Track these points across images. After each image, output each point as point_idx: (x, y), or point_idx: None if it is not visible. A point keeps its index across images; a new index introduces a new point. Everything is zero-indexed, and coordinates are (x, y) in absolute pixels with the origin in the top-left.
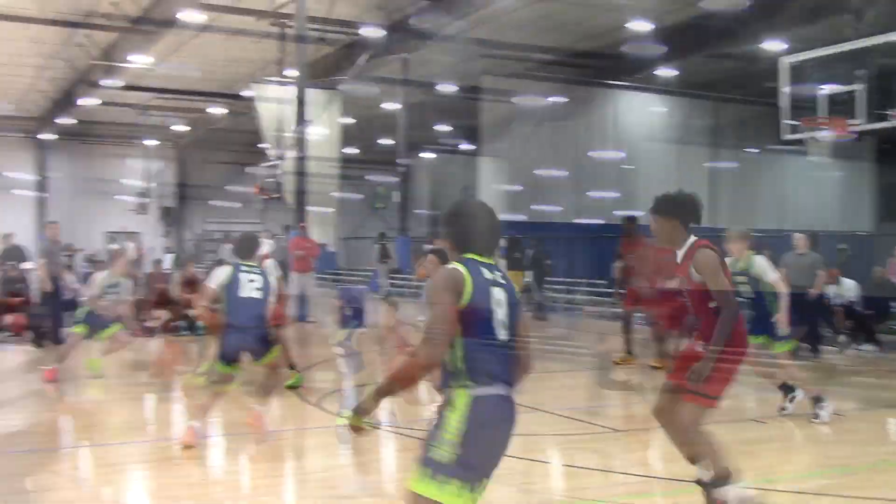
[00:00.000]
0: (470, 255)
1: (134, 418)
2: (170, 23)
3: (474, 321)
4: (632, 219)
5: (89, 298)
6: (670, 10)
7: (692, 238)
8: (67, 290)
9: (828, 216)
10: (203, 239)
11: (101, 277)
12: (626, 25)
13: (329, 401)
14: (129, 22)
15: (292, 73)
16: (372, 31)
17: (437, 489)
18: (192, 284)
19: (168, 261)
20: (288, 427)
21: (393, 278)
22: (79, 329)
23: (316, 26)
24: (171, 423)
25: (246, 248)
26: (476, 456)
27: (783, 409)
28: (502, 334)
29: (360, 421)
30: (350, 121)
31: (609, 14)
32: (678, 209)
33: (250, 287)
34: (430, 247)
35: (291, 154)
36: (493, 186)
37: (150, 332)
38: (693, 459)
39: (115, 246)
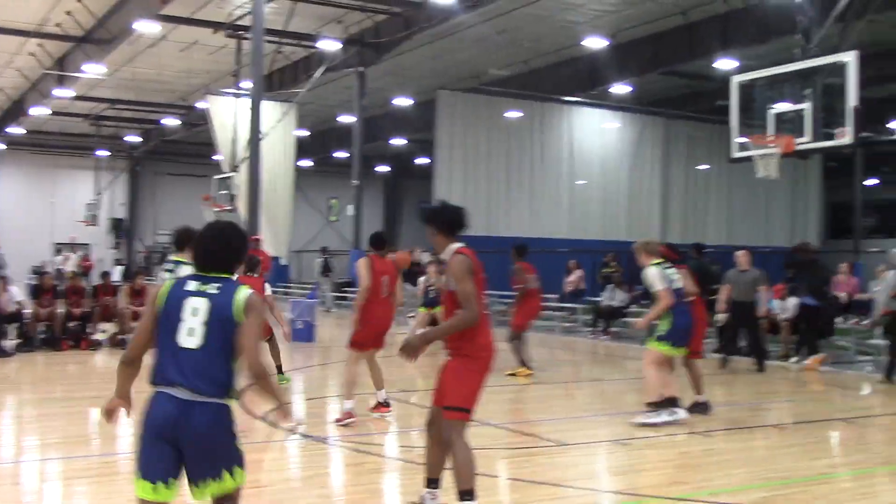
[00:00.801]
0: (195, 271)
1: (76, 433)
2: (125, 33)
3: (157, 328)
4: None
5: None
6: (625, 27)
7: (454, 245)
8: (9, 303)
9: (776, 233)
10: (154, 251)
11: None
12: (583, 43)
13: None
14: (83, 31)
15: (248, 85)
16: (329, 45)
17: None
18: (141, 297)
19: (117, 273)
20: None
21: (344, 291)
22: None
23: (273, 38)
24: (116, 438)
25: (179, 240)
26: (142, 450)
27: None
28: (186, 340)
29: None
30: (305, 133)
31: (565, 30)
32: (437, 219)
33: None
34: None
35: (245, 166)
36: (445, 198)
37: (97, 345)
38: (433, 475)
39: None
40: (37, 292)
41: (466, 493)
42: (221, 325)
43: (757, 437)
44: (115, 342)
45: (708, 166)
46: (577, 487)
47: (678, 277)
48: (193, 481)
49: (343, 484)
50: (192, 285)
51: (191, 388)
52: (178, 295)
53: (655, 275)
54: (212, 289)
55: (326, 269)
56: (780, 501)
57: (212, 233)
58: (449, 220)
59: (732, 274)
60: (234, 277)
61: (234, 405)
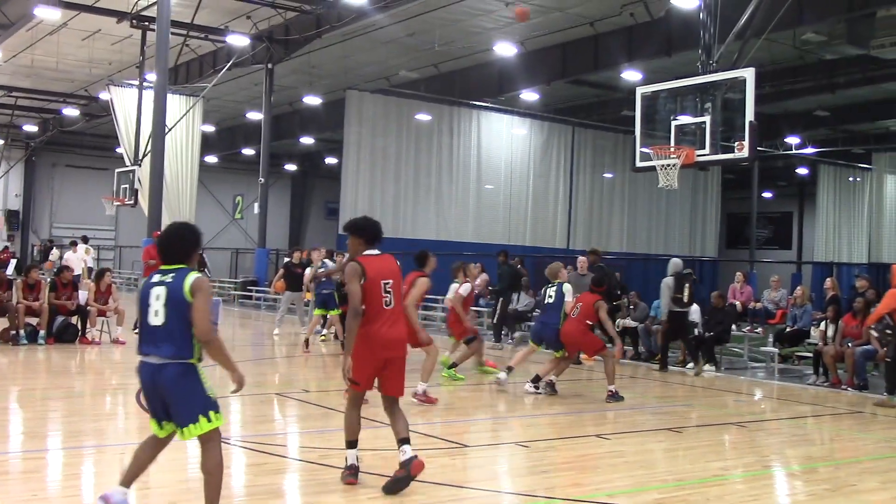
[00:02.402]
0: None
1: None
2: (24, 18)
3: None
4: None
5: None
6: (535, 35)
7: (367, 253)
8: None
9: (675, 242)
10: (50, 245)
11: None
12: (493, 48)
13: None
14: None
15: (152, 77)
16: (237, 40)
17: None
18: (36, 291)
19: (10, 267)
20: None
21: (248, 290)
22: None
23: (179, 31)
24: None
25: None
26: (146, 401)
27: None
28: (154, 320)
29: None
30: (211, 128)
31: (475, 35)
32: (354, 228)
33: None
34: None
35: (148, 159)
36: (355, 200)
37: None
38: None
39: None
40: None
41: (348, 443)
42: (176, 304)
43: (655, 440)
44: (7, 338)
45: (612, 175)
46: (479, 489)
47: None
48: (179, 427)
49: (243, 484)
50: (156, 278)
51: (159, 355)
52: (147, 287)
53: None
54: (168, 278)
55: (201, 265)
56: (675, 502)
57: (168, 232)
58: (366, 230)
59: (573, 277)
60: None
61: (197, 364)
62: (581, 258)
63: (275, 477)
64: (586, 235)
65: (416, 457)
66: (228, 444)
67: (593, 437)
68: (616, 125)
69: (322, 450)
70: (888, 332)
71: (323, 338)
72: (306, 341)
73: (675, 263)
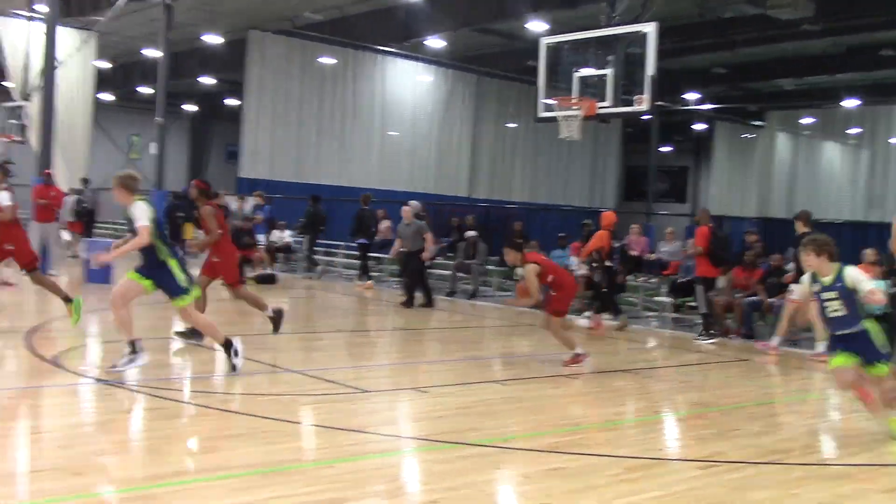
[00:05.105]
0: None
1: None
2: None
3: None
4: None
5: None
6: None
7: None
8: None
9: (576, 193)
10: None
11: None
12: None
13: (66, 358)
14: None
15: (42, 8)
16: None
17: None
18: None
19: None
20: (23, 384)
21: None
22: None
23: None
24: None
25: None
26: None
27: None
28: None
29: None
30: (106, 65)
31: None
32: None
33: None
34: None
35: (38, 95)
36: (255, 144)
37: None
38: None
39: None
40: None
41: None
42: None
43: (551, 386)
44: None
45: (516, 125)
46: (379, 434)
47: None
48: None
49: (140, 430)
50: None
51: None
52: None
53: (142, 209)
54: None
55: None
56: (569, 446)
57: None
58: None
59: (401, 227)
60: None
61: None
62: (405, 208)
63: (173, 422)
64: (489, 185)
65: None
66: (122, 388)
67: (491, 383)
68: (521, 75)
69: (222, 394)
70: (594, 265)
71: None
72: None
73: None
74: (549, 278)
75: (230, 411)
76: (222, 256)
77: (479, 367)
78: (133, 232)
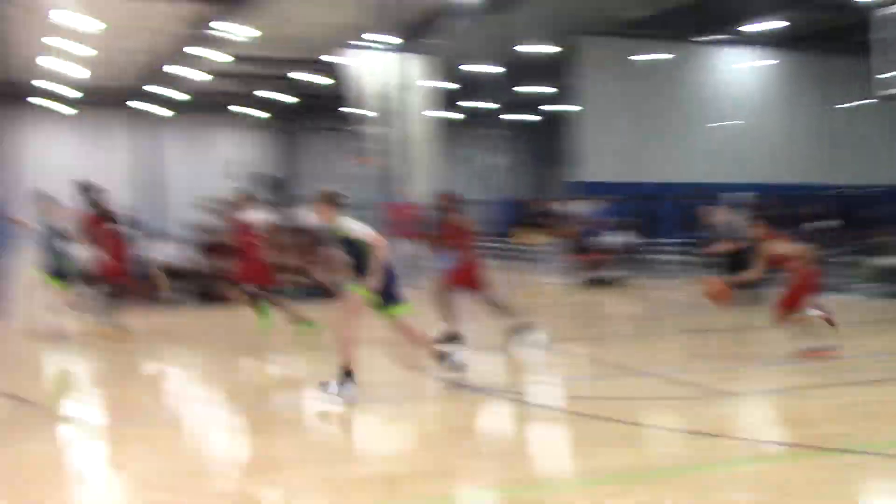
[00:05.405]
0: None
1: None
2: None
3: None
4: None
5: None
6: None
7: None
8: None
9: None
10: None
11: None
12: None
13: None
14: None
15: (387, 38)
16: None
17: None
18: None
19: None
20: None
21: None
22: None
23: None
24: None
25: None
26: None
27: None
28: None
29: None
30: (444, 84)
31: None
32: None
33: None
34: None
35: (387, 119)
36: (590, 145)
37: None
38: None
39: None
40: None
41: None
42: None
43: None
44: None
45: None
46: (738, 438)
47: None
48: None
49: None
50: None
51: None
52: None
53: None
54: None
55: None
56: None
57: None
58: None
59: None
60: None
61: None
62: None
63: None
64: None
65: None
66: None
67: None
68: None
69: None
70: None
71: None
72: None
73: None
74: None
75: (599, 417)
76: (466, 265)
77: (839, 366)
78: (347, 249)
